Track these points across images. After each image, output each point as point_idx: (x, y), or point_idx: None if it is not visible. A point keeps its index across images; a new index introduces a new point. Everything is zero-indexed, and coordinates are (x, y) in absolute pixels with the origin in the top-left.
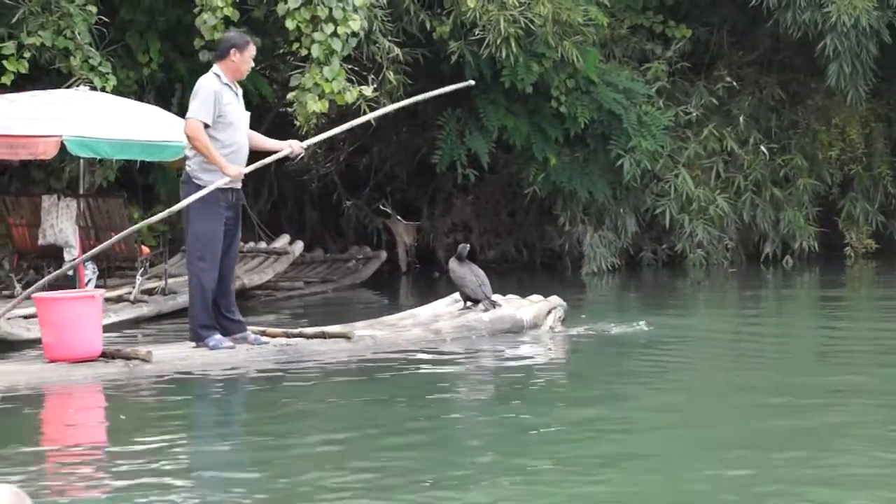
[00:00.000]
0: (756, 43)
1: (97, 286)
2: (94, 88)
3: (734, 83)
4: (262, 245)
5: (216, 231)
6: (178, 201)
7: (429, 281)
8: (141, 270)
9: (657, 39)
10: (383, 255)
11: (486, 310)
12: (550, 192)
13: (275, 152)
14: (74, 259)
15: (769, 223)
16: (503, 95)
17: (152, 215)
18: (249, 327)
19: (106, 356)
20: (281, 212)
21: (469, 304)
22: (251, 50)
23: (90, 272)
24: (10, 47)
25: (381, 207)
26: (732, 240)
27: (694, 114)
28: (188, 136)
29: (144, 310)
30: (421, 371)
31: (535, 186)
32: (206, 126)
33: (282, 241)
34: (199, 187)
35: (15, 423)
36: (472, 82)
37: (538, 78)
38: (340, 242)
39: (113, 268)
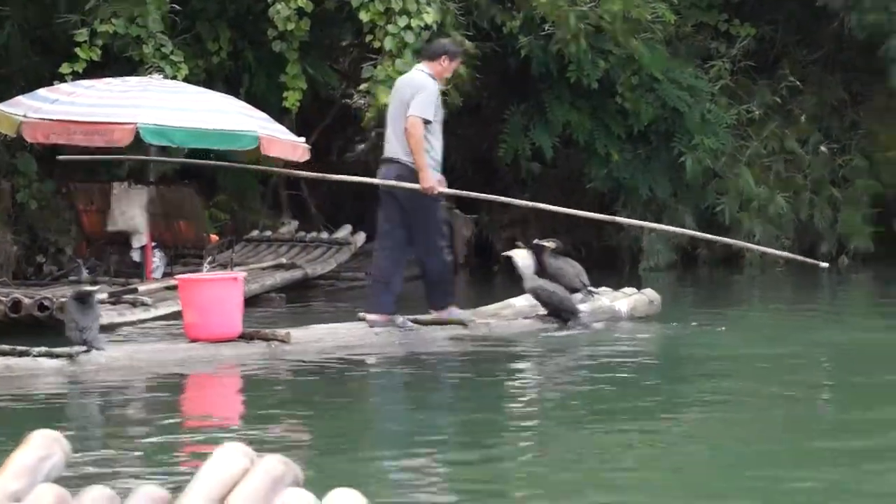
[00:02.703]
0: (819, 42)
1: (164, 274)
2: (165, 77)
3: (797, 82)
4: (325, 235)
5: (443, 213)
6: (239, 191)
7: (487, 274)
8: (209, 259)
9: (721, 37)
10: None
11: (585, 298)
12: (612, 188)
13: None
14: (143, 245)
15: (826, 223)
16: (568, 90)
17: (215, 204)
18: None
19: (245, 337)
20: (341, 203)
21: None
22: (458, 63)
23: (157, 259)
24: (83, 34)
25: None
26: (789, 238)
27: (756, 112)
28: (408, 133)
29: None
30: (525, 359)
31: (596, 182)
32: (427, 123)
33: (344, 232)
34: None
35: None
36: (825, 264)
37: (603, 74)
38: None
39: (179, 256)
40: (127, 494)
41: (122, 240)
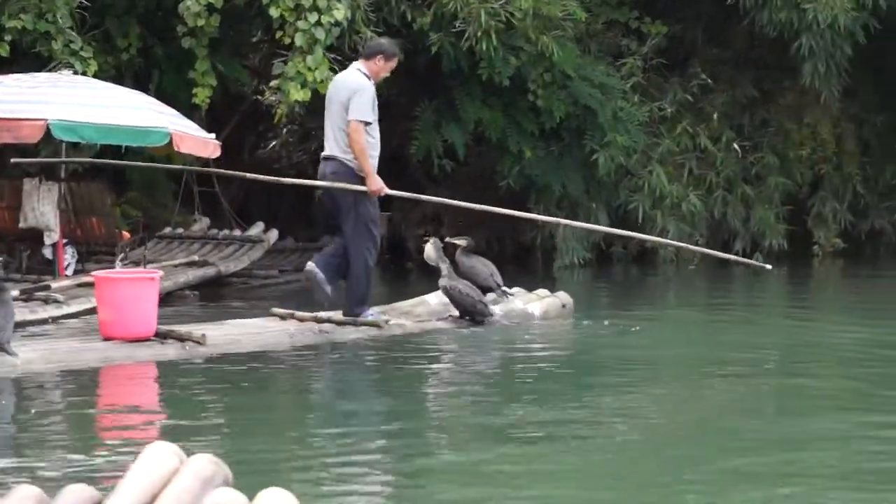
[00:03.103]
0: (731, 40)
1: (76, 271)
2: (75, 72)
3: (708, 80)
4: (237, 233)
5: (378, 215)
6: (150, 188)
7: (400, 271)
8: (121, 256)
9: (632, 35)
10: None
11: (498, 298)
12: (524, 185)
13: None
14: (55, 242)
15: (739, 221)
16: (480, 88)
17: (126, 200)
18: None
19: (160, 336)
20: (253, 200)
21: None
22: (394, 63)
23: (69, 256)
24: None
25: None
26: (703, 236)
27: (668, 110)
28: (351, 139)
29: None
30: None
31: (509, 180)
32: (368, 125)
33: (256, 229)
34: (359, 178)
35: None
36: (769, 266)
37: (515, 71)
38: (311, 231)
39: (91, 252)
40: (56, 494)
41: (34, 237)
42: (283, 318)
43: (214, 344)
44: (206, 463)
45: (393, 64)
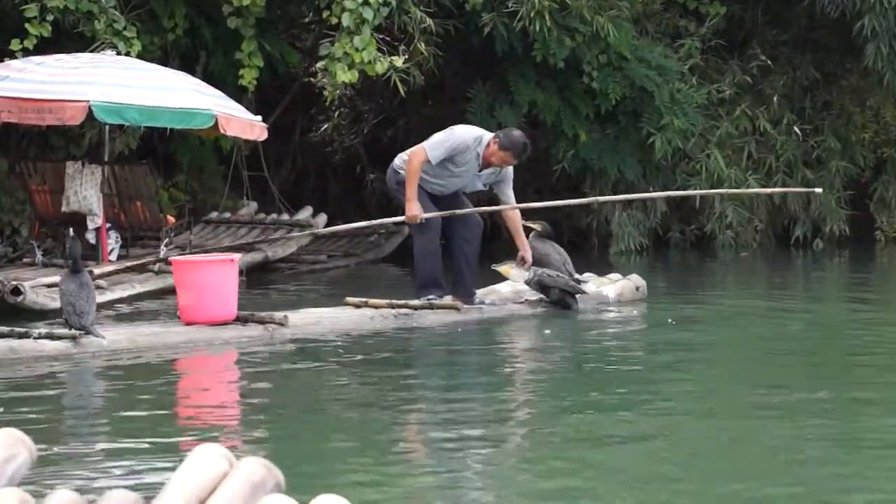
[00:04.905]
0: (791, 21)
1: (119, 256)
2: (118, 53)
3: (768, 62)
4: (285, 217)
5: (424, 205)
6: (199, 169)
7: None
8: (165, 241)
9: (690, 16)
10: (406, 230)
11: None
12: (579, 169)
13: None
14: (98, 227)
15: (800, 205)
16: (534, 70)
17: (173, 184)
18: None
19: (240, 320)
20: (303, 184)
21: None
22: (511, 159)
23: (113, 241)
24: (32, 10)
25: None
26: (762, 221)
27: (727, 92)
28: (408, 159)
29: (169, 280)
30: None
31: (563, 163)
32: (429, 162)
33: (304, 214)
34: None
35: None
36: (819, 190)
37: (570, 53)
38: (362, 216)
39: (136, 237)
40: (98, 498)
41: (79, 220)
42: (357, 306)
43: (296, 326)
44: (256, 467)
45: (506, 158)
